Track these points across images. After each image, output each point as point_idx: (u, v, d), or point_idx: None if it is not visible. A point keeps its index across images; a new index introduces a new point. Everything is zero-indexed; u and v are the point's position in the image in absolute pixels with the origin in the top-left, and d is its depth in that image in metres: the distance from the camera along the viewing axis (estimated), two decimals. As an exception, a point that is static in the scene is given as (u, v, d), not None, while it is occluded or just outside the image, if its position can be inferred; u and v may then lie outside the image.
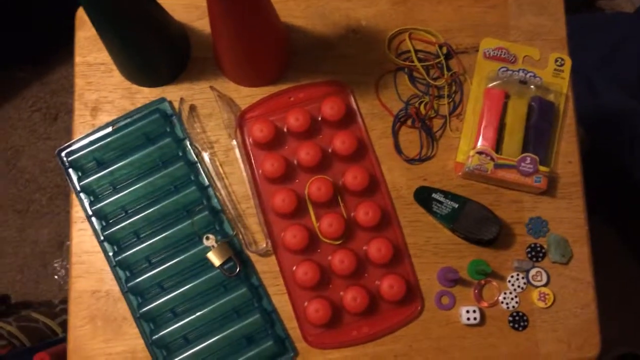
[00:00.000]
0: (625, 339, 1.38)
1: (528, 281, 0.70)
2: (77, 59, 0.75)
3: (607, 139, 1.23)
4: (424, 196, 0.71)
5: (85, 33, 0.75)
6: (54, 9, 1.40)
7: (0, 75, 1.62)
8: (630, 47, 1.23)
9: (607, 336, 0.71)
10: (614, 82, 1.22)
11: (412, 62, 0.75)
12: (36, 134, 1.60)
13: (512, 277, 0.70)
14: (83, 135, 0.72)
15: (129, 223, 0.69)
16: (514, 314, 0.70)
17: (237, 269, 0.68)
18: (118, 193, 0.70)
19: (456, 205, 0.70)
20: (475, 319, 0.69)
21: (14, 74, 1.62)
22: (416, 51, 0.75)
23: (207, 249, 0.68)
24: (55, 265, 1.53)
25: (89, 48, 0.75)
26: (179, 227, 0.69)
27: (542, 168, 0.70)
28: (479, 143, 0.71)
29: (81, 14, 0.76)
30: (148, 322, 0.69)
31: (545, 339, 0.69)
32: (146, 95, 0.74)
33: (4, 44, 1.56)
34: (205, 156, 0.72)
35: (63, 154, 0.72)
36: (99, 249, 0.70)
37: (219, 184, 0.71)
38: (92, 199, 0.71)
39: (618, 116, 1.20)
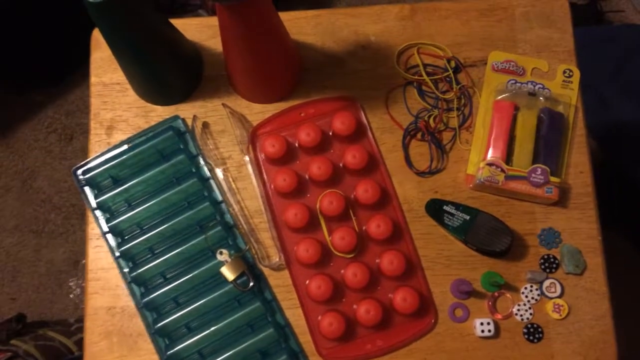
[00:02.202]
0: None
1: (542, 292, 0.70)
2: (93, 79, 0.77)
3: (619, 151, 1.23)
4: (435, 208, 0.71)
5: (101, 54, 0.77)
6: (67, 34, 1.44)
7: (16, 99, 1.65)
8: (640, 59, 1.24)
9: (622, 352, 0.70)
10: (624, 94, 1.22)
11: (421, 76, 0.76)
12: (52, 154, 1.62)
13: (525, 288, 0.70)
14: (99, 153, 0.74)
15: (144, 239, 0.70)
16: (529, 325, 0.69)
17: (251, 284, 0.68)
18: (133, 210, 0.71)
19: (468, 217, 0.70)
20: (489, 331, 0.68)
21: (30, 97, 1.65)
22: (425, 65, 0.76)
23: (221, 263, 0.69)
24: (71, 284, 1.54)
25: (104, 68, 0.77)
26: (193, 242, 0.70)
27: (553, 179, 0.70)
28: (489, 155, 0.71)
29: (97, 35, 0.78)
30: (163, 338, 0.69)
31: (561, 351, 0.69)
32: (160, 113, 0.76)
33: (20, 67, 1.59)
34: (218, 172, 0.73)
35: (79, 172, 0.73)
36: (114, 265, 0.71)
37: (232, 200, 0.72)
38: (107, 215, 0.72)
39: (629, 127, 1.20)
